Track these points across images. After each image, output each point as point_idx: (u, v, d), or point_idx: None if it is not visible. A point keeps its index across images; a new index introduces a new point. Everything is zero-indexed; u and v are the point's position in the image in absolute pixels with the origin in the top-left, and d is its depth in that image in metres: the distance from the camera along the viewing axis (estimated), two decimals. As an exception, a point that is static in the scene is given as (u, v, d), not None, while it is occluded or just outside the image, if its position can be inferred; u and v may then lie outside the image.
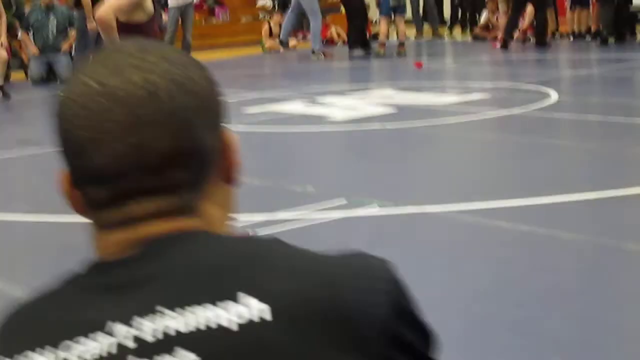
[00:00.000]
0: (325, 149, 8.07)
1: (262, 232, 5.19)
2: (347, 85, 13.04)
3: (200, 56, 18.64)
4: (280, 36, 19.24)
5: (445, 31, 22.59)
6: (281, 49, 19.84)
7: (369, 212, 5.53)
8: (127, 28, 4.88)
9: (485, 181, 6.38)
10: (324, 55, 17.66)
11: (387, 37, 17.82)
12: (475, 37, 20.85)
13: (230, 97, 11.85)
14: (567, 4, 19.11)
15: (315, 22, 18.43)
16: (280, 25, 20.03)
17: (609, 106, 9.53)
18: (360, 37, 18.56)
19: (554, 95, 10.21)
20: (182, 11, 17.21)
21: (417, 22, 22.25)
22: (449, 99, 10.67)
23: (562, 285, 4.22)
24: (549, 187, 5.83)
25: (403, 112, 9.78)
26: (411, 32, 20.43)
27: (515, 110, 9.36)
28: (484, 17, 21.18)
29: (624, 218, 5.19)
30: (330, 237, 5.13)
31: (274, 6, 22.82)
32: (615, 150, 7.06)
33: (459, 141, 8.10)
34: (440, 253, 4.77)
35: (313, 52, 17.97)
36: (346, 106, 10.50)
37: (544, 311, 3.87)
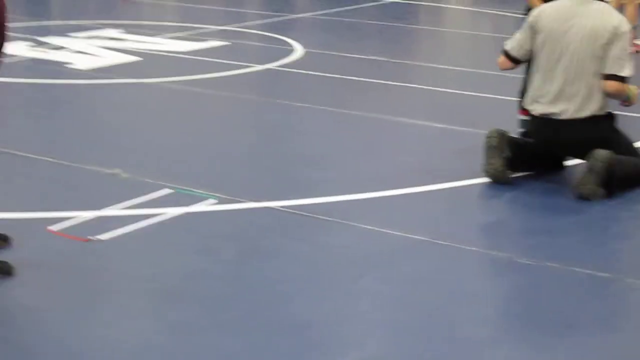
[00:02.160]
0: (103, 113, 7.40)
1: (104, 236, 4.65)
2: (61, 20, 12.13)
3: None
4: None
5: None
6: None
7: (209, 208, 5.12)
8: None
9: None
10: None
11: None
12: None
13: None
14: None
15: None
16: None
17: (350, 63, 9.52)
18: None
19: (297, 48, 10.10)
20: None
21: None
22: (185, 45, 10.21)
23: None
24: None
25: (148, 61, 9.27)
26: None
27: (273, 65, 9.14)
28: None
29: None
30: (184, 236, 4.70)
31: None
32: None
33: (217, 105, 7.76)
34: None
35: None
36: (80, 50, 9.75)
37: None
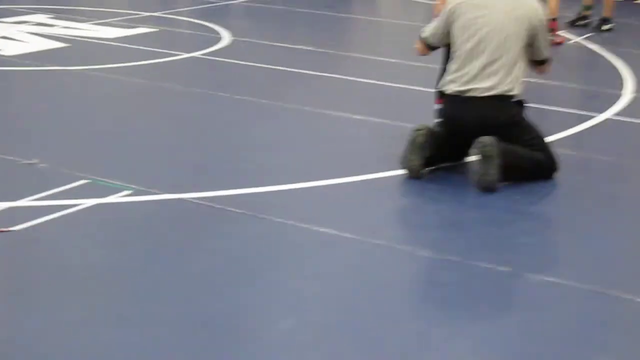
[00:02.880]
0: (22, 101, 7.41)
1: (16, 228, 4.71)
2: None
3: None
4: None
5: None
6: None
7: (123, 199, 5.20)
8: None
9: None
10: None
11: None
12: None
13: None
14: None
15: None
16: None
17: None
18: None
19: (225, 36, 10.16)
20: None
21: None
22: (114, 32, 10.23)
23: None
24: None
25: (77, 48, 9.28)
26: None
27: (200, 54, 9.19)
28: None
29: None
30: (97, 227, 4.78)
31: None
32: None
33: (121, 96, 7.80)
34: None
35: None
36: (6, 36, 9.74)
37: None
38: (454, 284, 4.32)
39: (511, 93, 5.72)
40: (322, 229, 4.85)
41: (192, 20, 11.27)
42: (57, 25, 10.47)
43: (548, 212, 5.49)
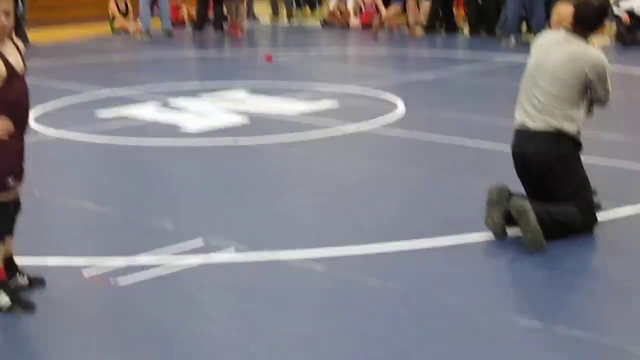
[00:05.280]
0: (180, 173, 8.19)
1: (123, 281, 5.38)
2: (198, 84, 13.14)
3: (47, 35, 18.33)
4: (143, 27, 19.21)
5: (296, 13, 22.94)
6: (131, 29, 19.84)
7: (226, 258, 5.76)
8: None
9: (333, 223, 6.67)
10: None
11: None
12: (325, 23, 21.21)
13: (82, 96, 11.87)
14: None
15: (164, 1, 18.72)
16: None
17: (454, 122, 9.95)
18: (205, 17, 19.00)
19: (400, 107, 10.65)
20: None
21: (273, 1, 22.58)
22: (299, 106, 10.94)
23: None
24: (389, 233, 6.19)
25: (255, 124, 10.03)
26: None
27: (364, 126, 9.71)
28: (332, 1, 21.53)
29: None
30: (188, 286, 5.37)
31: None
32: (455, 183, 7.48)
33: (305, 169, 8.37)
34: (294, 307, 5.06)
35: (168, 33, 18.35)
36: (199, 112, 10.66)
37: None
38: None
39: (567, 131, 6.04)
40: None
41: (375, 94, 11.79)
42: (251, 102, 11.29)
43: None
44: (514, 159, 6.25)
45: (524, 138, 6.16)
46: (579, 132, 6.14)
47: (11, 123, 4.89)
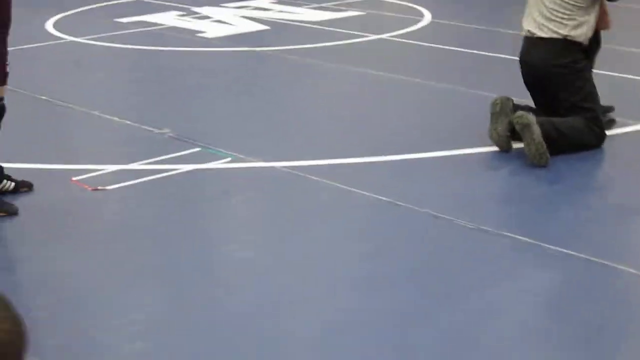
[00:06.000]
0: (192, 79, 8.04)
1: (111, 187, 5.29)
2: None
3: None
4: None
5: None
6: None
7: (221, 165, 5.65)
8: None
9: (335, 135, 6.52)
10: None
11: None
12: None
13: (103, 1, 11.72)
14: None
15: None
16: None
17: (482, 34, 9.69)
18: None
19: (427, 18, 10.39)
20: None
21: None
22: (323, 15, 10.70)
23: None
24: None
25: (275, 30, 9.84)
26: None
27: (388, 35, 9.48)
28: None
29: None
30: (178, 189, 5.28)
31: None
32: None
33: (319, 76, 8.19)
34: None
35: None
36: (220, 19, 10.48)
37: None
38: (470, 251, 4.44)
39: (575, 37, 5.83)
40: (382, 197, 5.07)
41: (402, 3, 11.52)
42: (273, 10, 11.09)
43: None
44: (520, 66, 6.05)
45: (531, 44, 5.96)
46: (587, 39, 5.88)
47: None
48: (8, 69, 4.98)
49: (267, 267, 4.32)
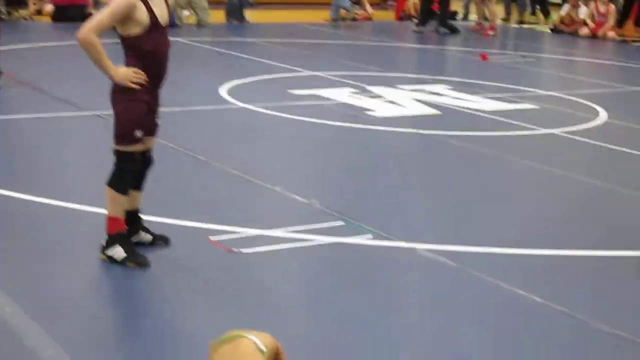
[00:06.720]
0: (350, 156, 8.01)
1: (248, 249, 5.24)
2: (401, 73, 12.94)
3: (266, 16, 18.69)
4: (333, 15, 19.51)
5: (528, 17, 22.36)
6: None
7: (360, 241, 5.53)
8: (125, 42, 4.86)
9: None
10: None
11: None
12: (553, 30, 20.51)
13: (284, 71, 11.93)
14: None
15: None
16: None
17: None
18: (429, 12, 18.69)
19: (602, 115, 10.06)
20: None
21: (506, 2, 22.14)
22: (497, 105, 10.51)
23: None
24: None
25: (445, 115, 9.73)
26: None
27: (559, 131, 9.20)
28: (564, 9, 20.80)
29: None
30: (318, 263, 5.19)
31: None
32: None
33: (488, 164, 7.99)
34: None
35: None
36: (392, 100, 10.45)
37: None
38: None
39: None
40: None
41: (580, 100, 11.20)
42: (448, 95, 10.98)
43: None
44: None
45: None
46: None
47: (144, 74, 4.83)
48: (160, 122, 5.05)
49: None
